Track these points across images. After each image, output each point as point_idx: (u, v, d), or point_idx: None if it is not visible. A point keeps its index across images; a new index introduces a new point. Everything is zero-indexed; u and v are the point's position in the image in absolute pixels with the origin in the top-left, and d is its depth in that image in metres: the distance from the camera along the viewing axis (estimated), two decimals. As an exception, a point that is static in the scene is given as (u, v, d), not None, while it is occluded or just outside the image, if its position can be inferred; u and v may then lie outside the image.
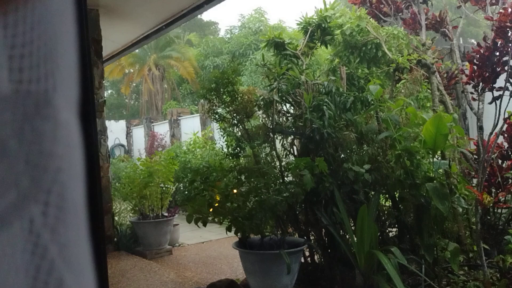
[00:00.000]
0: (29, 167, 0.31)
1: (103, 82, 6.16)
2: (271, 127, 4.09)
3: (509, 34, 3.36)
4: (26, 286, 0.31)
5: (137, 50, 17.93)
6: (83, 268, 0.35)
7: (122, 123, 17.47)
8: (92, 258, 0.37)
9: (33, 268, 0.31)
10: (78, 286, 0.34)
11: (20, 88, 0.31)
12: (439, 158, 3.89)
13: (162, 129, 13.76)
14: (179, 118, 13.01)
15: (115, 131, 16.35)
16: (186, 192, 4.10)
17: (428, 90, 4.55)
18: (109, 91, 27.97)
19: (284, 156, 4.21)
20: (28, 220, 0.31)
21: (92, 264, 0.37)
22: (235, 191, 3.78)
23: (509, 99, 3.39)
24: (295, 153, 4.22)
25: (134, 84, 21.40)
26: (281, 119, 4.25)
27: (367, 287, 3.37)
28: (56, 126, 0.33)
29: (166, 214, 6.06)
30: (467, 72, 3.69)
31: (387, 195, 4.07)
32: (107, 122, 6.79)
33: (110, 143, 14.31)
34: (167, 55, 20.36)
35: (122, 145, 16.77)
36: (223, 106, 4.21)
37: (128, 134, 17.14)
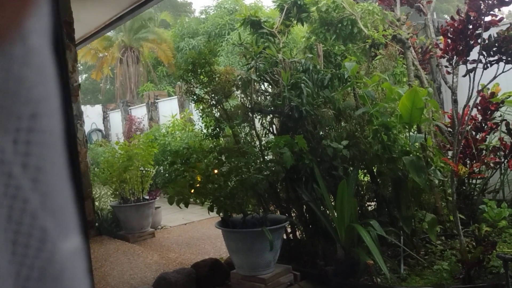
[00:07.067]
0: None
1: (77, 66, 6.03)
2: (249, 106, 4.09)
3: (482, 7, 3.41)
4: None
5: (110, 33, 17.56)
6: (60, 197, 0.34)
7: (98, 108, 17.20)
8: (72, 189, 0.35)
9: (8, 196, 0.30)
10: (53, 217, 0.33)
11: None
12: (415, 132, 3.96)
13: (139, 112, 13.60)
14: (157, 101, 12.85)
15: (91, 116, 16.12)
16: (167, 175, 4.08)
17: (404, 65, 4.60)
18: (84, 76, 27.38)
19: (263, 135, 4.22)
20: None
21: (72, 194, 0.35)
22: (215, 171, 3.78)
23: (482, 72, 3.46)
24: (275, 131, 4.23)
25: (110, 68, 20.97)
26: (259, 98, 4.24)
27: (348, 260, 3.45)
28: (26, 51, 0.30)
29: (147, 197, 6.05)
30: (441, 46, 3.73)
31: (365, 170, 4.14)
32: (82, 107, 6.68)
33: (86, 128, 14.09)
34: (141, 37, 19.98)
35: (99, 130, 16.55)
36: (200, 87, 4.18)
37: (105, 119, 16.89)
